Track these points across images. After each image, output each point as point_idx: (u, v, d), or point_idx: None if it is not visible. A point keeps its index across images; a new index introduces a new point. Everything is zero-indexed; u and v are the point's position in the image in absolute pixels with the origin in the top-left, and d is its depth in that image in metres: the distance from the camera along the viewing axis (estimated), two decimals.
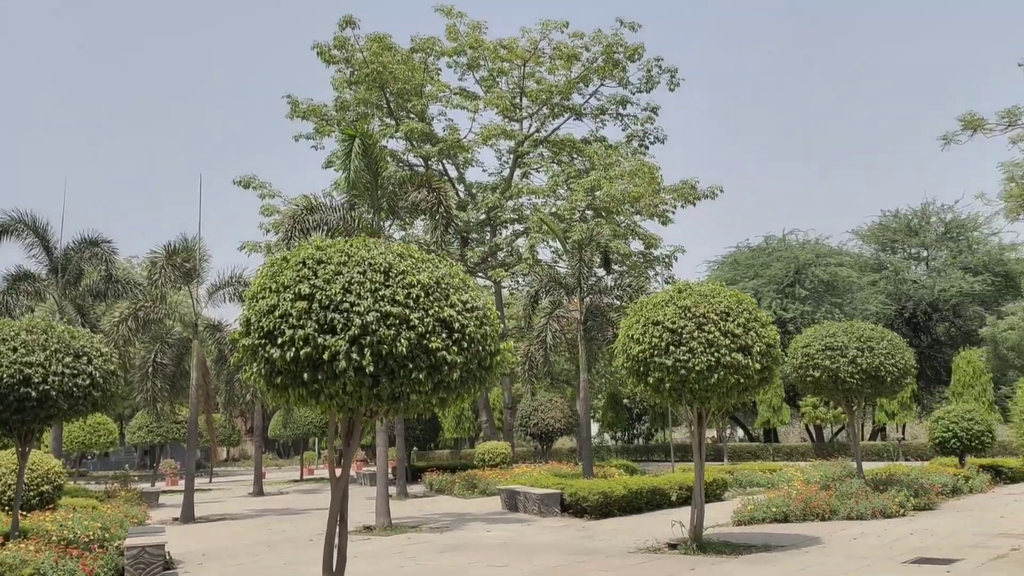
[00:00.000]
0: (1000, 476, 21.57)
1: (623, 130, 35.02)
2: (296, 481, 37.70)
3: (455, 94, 34.42)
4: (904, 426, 39.25)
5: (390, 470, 25.09)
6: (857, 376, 16.62)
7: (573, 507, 17.49)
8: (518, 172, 34.95)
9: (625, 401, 42.11)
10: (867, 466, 19.54)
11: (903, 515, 15.30)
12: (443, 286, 7.96)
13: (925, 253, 44.45)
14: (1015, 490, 19.89)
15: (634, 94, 34.29)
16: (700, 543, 12.16)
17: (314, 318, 7.39)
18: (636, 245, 32.30)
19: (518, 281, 35.66)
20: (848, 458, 30.17)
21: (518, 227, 34.08)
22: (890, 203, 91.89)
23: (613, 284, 25.53)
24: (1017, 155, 17.75)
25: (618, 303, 24.56)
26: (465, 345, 7.85)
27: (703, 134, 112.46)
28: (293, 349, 7.34)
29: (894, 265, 43.43)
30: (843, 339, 16.91)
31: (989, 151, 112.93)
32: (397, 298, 7.57)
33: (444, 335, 7.73)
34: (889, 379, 16.83)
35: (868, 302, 38.78)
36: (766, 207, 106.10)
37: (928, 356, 38.31)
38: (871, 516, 15.07)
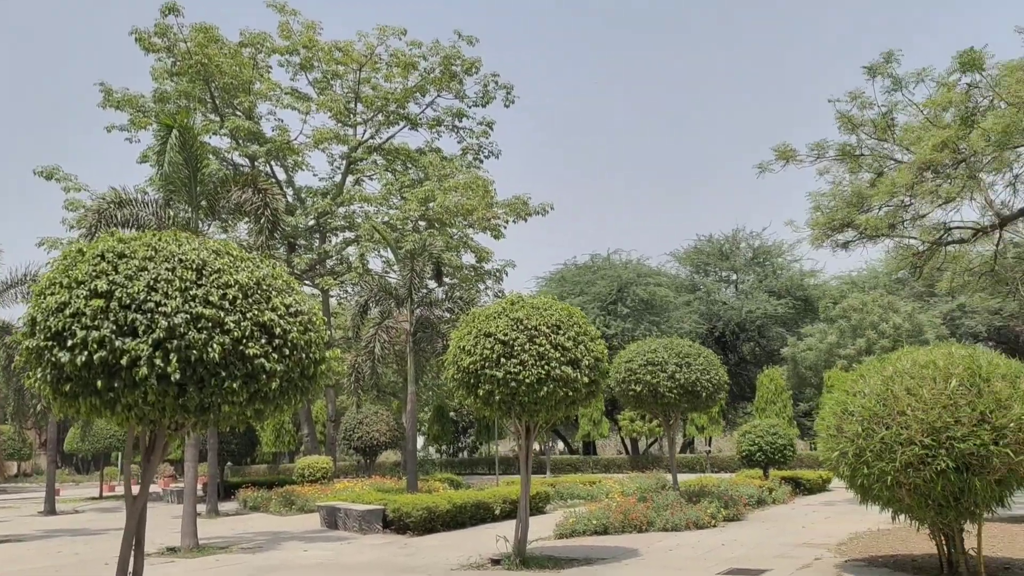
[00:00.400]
0: (799, 487, 23.07)
1: (458, 142, 35.08)
2: (95, 499, 34.81)
3: (286, 94, 33.14)
4: (711, 439, 41.46)
5: (200, 486, 23.62)
6: (675, 391, 17.29)
7: (396, 523, 17.01)
8: (350, 178, 34.14)
9: (451, 414, 42.02)
10: (680, 478, 20.31)
11: (714, 526, 15.92)
12: (264, 288, 7.39)
13: (735, 276, 47.33)
14: (812, 501, 21.29)
15: (470, 107, 34.41)
16: (524, 558, 12.06)
17: (112, 318, 6.63)
18: (468, 258, 32.35)
19: (347, 290, 34.77)
20: (662, 470, 31.45)
21: (349, 235, 33.29)
22: (705, 227, 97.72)
23: (444, 296, 25.39)
24: (824, 185, 19.44)
25: (448, 315, 24.42)
26: (287, 352, 7.31)
27: (534, 152, 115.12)
28: (86, 353, 6.55)
29: (707, 287, 45.96)
30: (663, 355, 17.54)
31: (798, 181, 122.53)
32: (211, 299, 6.94)
33: (263, 341, 7.16)
34: (704, 394, 17.62)
35: (683, 321, 40.79)
36: (593, 226, 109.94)
37: (734, 373, 40.64)
38: (685, 527, 15.57)
